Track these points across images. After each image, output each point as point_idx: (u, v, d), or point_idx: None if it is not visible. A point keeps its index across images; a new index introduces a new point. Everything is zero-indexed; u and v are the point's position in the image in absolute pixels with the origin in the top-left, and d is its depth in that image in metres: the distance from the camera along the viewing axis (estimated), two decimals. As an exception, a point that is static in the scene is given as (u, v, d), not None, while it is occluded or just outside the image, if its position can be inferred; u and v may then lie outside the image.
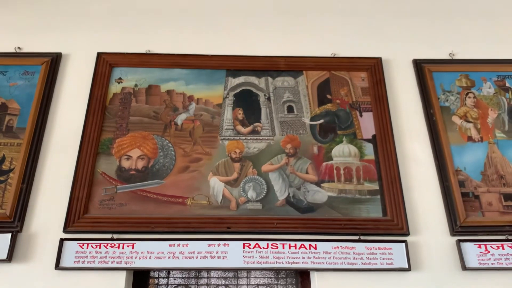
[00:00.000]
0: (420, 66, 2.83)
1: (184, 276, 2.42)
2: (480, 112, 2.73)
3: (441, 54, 2.92)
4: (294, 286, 2.41)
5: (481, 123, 2.69)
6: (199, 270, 2.34)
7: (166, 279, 2.42)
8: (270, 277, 2.44)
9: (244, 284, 2.42)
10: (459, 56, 2.92)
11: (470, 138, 2.64)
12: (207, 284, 2.41)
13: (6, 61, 2.77)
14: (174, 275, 2.42)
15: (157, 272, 2.42)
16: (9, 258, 2.17)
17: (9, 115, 2.60)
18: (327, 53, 2.89)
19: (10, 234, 2.22)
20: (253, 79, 2.80)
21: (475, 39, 2.98)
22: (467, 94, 2.78)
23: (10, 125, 2.57)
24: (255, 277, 2.43)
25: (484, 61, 2.88)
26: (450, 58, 2.90)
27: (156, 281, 2.42)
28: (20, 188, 2.37)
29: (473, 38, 2.98)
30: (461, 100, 2.76)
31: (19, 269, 2.20)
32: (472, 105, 2.75)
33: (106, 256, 2.22)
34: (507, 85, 2.82)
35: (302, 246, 2.28)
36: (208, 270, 2.34)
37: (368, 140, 2.62)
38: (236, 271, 2.42)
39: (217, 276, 2.43)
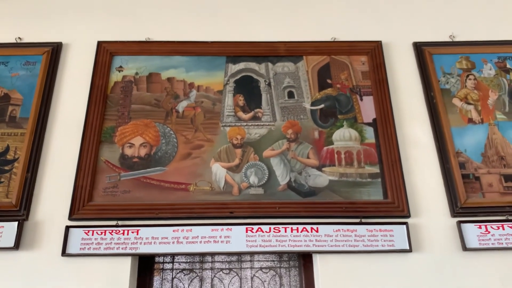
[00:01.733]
0: (420, 49, 2.83)
1: (188, 260, 2.46)
2: (481, 93, 2.73)
3: (442, 36, 2.91)
4: (297, 269, 2.45)
5: (482, 105, 2.69)
6: (203, 254, 2.38)
7: (171, 264, 2.46)
8: (273, 260, 2.47)
9: (247, 268, 2.46)
10: (459, 38, 2.90)
11: (470, 120, 2.64)
12: (211, 268, 2.45)
13: (7, 52, 2.79)
14: (179, 260, 2.46)
15: (162, 257, 2.46)
16: (16, 246, 2.22)
17: (12, 105, 2.63)
18: (327, 38, 2.88)
19: (16, 223, 2.26)
20: (253, 65, 2.80)
21: (476, 20, 2.96)
22: (467, 76, 2.77)
23: (13, 115, 2.59)
24: (258, 261, 2.47)
25: (485, 43, 2.87)
26: (450, 40, 2.89)
27: (161, 266, 2.46)
28: (25, 177, 2.40)
29: (473, 19, 2.97)
30: (462, 82, 2.75)
31: (27, 257, 2.24)
32: (473, 87, 2.74)
33: (111, 243, 2.26)
34: (508, 66, 2.81)
35: (304, 230, 2.31)
36: (212, 254, 2.39)
37: (368, 124, 2.63)
38: (239, 255, 2.46)
39: (221, 260, 2.47)
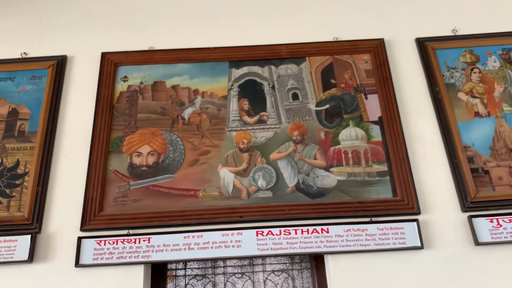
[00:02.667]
0: (423, 45, 2.82)
1: (200, 266, 2.48)
2: (486, 86, 2.71)
3: (444, 31, 2.90)
4: (309, 270, 2.45)
5: (488, 98, 2.68)
6: (215, 260, 2.39)
7: (184, 270, 2.47)
8: (285, 263, 2.48)
9: (259, 271, 2.46)
10: (462, 31, 2.89)
11: (477, 114, 2.63)
12: (223, 273, 2.46)
13: (13, 67, 2.83)
14: (191, 266, 2.48)
15: (175, 264, 2.48)
16: (30, 258, 2.25)
17: (21, 120, 2.66)
18: (329, 38, 2.89)
19: (29, 236, 2.29)
20: (256, 68, 2.82)
21: (478, 13, 2.95)
22: (472, 69, 2.76)
23: (22, 130, 2.63)
24: (270, 264, 2.48)
25: (488, 35, 2.86)
26: (453, 34, 2.88)
27: (174, 273, 2.47)
28: (36, 190, 2.43)
29: (475, 12, 2.95)
30: (466, 76, 2.74)
31: (40, 269, 2.27)
32: (478, 80, 2.73)
33: (123, 252, 2.28)
34: (513, 57, 2.80)
35: (315, 231, 2.31)
36: (224, 259, 2.40)
37: (374, 122, 2.62)
38: (251, 259, 2.46)
39: (233, 264, 2.48)
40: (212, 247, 2.29)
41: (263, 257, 2.41)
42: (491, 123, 2.60)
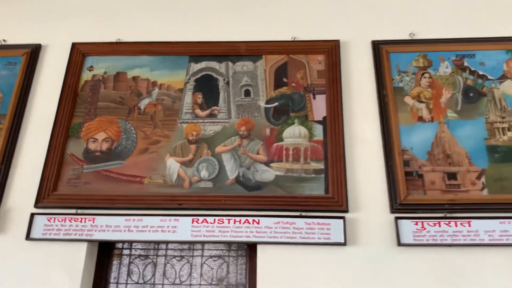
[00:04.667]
0: (378, 47, 2.87)
1: (144, 247, 2.66)
2: (434, 92, 2.76)
3: (402, 34, 2.94)
4: (244, 258, 2.60)
5: (434, 103, 2.73)
6: (150, 242, 2.58)
7: (129, 250, 2.67)
8: (223, 249, 2.64)
9: (198, 256, 2.63)
10: (419, 36, 2.93)
11: (420, 118, 2.69)
12: (164, 255, 2.65)
13: (-8, 54, 3.05)
14: (136, 247, 2.67)
15: (121, 244, 2.67)
16: (-13, 230, 2.49)
17: (-7, 103, 2.89)
18: (288, 37, 2.98)
19: (-12, 209, 2.53)
20: (214, 64, 2.95)
21: (436, 18, 2.97)
22: (423, 74, 2.81)
23: (-7, 112, 2.86)
24: (209, 249, 2.64)
25: (444, 40, 2.88)
26: (410, 38, 2.92)
27: (120, 252, 2.67)
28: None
29: (433, 17, 2.98)
30: (416, 80, 2.79)
31: (-4, 240, 2.51)
32: (427, 85, 2.78)
33: (70, 229, 2.49)
34: (465, 64, 2.82)
35: (246, 221, 2.46)
36: (159, 242, 2.58)
37: (319, 122, 2.72)
38: (191, 244, 2.63)
39: (173, 248, 2.66)
40: (150, 231, 2.47)
41: (195, 243, 2.58)
42: (433, 128, 2.65)
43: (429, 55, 2.86)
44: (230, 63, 2.94)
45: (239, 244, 2.60)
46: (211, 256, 2.63)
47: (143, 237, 2.46)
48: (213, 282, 2.57)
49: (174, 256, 2.65)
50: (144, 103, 2.84)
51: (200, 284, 2.57)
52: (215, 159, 2.66)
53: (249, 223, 2.46)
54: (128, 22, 3.13)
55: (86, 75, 2.95)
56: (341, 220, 2.42)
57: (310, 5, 3.10)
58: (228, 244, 2.61)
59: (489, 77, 2.78)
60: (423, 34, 2.93)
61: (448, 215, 2.42)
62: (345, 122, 2.68)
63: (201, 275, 2.59)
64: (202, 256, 2.64)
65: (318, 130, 2.69)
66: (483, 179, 2.51)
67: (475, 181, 2.51)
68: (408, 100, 2.74)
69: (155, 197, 2.56)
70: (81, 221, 2.51)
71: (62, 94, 2.86)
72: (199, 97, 2.85)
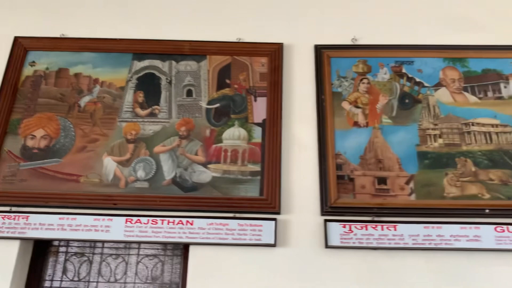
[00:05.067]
0: (320, 52, 2.92)
1: (81, 245, 2.68)
2: (371, 97, 2.83)
3: (345, 39, 2.99)
4: (179, 257, 2.65)
5: (370, 109, 2.80)
6: (86, 241, 2.59)
7: (65, 247, 2.68)
8: (158, 249, 2.67)
9: (134, 255, 2.66)
10: (362, 41, 2.98)
11: (356, 123, 2.76)
12: (101, 253, 2.67)
13: None
14: (72, 244, 2.68)
15: (58, 242, 2.68)
16: None
17: None
18: (232, 38, 3.00)
19: None
20: (157, 62, 2.95)
21: (378, 24, 3.03)
22: (361, 79, 2.87)
23: None
24: (145, 248, 2.67)
25: (385, 47, 2.95)
26: (352, 43, 2.97)
27: (56, 249, 2.67)
28: None
29: (376, 23, 3.03)
30: (355, 85, 2.86)
31: None
32: (365, 90, 2.85)
33: (2, 227, 2.48)
34: (403, 70, 2.90)
35: (180, 222, 2.50)
36: (91, 241, 2.60)
37: (258, 124, 2.76)
38: (127, 243, 2.66)
39: (110, 246, 2.67)
40: (83, 230, 2.48)
41: (128, 242, 2.60)
42: (367, 134, 2.73)
43: (369, 61, 2.93)
44: (173, 62, 2.95)
45: (176, 244, 2.64)
46: (147, 255, 2.66)
47: (76, 236, 2.48)
48: (148, 281, 2.61)
49: (110, 255, 2.67)
50: (84, 100, 2.83)
51: (134, 283, 2.60)
52: (152, 159, 2.68)
53: (183, 224, 2.49)
54: (73, 17, 3.10)
55: (28, 70, 2.92)
56: (273, 222, 2.48)
57: (256, 7, 3.12)
58: (162, 244, 2.64)
59: (425, 84, 2.87)
60: (365, 39, 2.99)
61: (376, 218, 2.51)
62: (284, 125, 2.74)
63: (136, 273, 2.62)
64: (138, 255, 2.67)
65: (257, 132, 2.74)
66: (411, 185, 2.60)
67: (404, 186, 2.60)
68: (345, 105, 2.80)
69: (90, 196, 2.57)
70: (14, 219, 2.50)
71: (1, 89, 2.82)
72: (140, 96, 2.85)
